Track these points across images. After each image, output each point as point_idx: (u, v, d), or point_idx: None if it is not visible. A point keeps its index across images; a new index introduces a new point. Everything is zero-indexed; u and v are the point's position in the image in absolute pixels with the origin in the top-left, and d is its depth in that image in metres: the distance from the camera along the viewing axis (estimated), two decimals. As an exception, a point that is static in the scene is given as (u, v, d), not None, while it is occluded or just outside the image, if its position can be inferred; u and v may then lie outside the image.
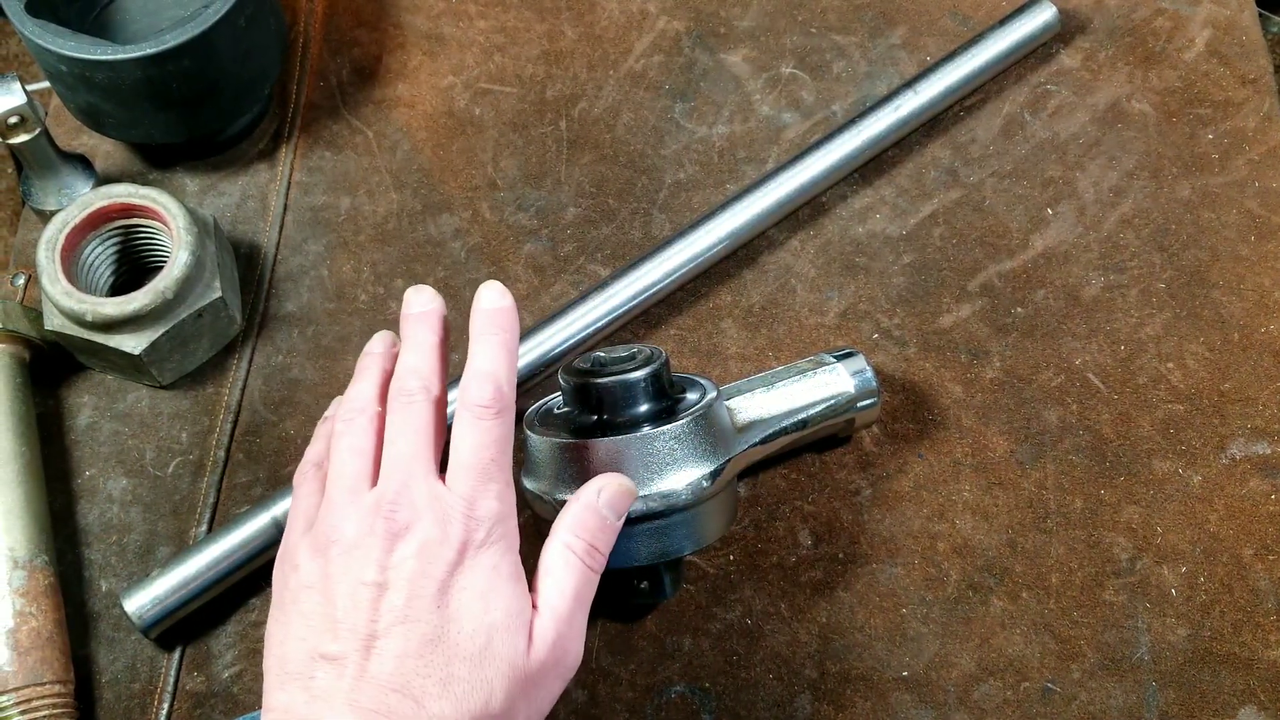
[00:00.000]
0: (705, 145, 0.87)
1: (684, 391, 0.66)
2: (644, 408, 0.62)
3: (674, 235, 0.79)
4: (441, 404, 0.58)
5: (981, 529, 0.73)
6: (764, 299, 0.81)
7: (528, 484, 0.64)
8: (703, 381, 0.66)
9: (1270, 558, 0.72)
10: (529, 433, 0.64)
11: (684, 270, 0.79)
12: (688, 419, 0.61)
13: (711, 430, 0.62)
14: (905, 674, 0.69)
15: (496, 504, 0.55)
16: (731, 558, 0.73)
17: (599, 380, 0.62)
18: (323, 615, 0.53)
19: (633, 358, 0.64)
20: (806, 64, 0.90)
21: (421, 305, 0.60)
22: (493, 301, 0.58)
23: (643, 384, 0.62)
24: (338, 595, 0.53)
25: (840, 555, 0.73)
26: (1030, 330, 0.79)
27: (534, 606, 0.55)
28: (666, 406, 0.64)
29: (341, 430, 0.58)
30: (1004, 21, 0.86)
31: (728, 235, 0.79)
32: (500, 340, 0.58)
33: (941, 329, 0.79)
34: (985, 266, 0.81)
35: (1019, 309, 0.80)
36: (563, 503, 0.59)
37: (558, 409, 0.67)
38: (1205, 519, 0.73)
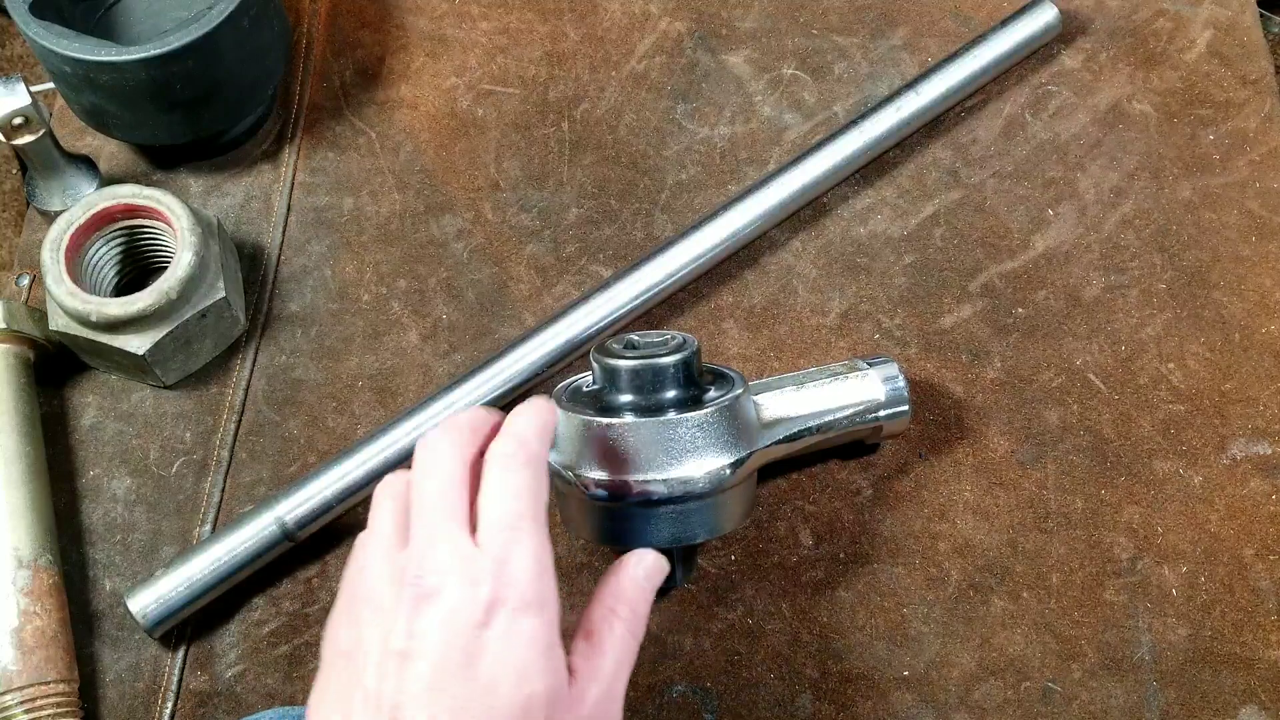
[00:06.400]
0: (707, 146, 0.87)
1: (714, 382, 0.67)
2: (671, 393, 0.63)
3: (676, 236, 0.80)
4: (476, 463, 0.55)
5: (982, 529, 0.73)
6: (765, 299, 0.81)
7: (550, 458, 0.64)
8: (733, 374, 0.67)
9: (1271, 558, 0.72)
10: (555, 407, 0.64)
11: (686, 271, 0.79)
12: (713, 409, 0.62)
13: (736, 422, 0.63)
14: (906, 673, 0.70)
15: (530, 563, 0.51)
16: (733, 557, 0.73)
17: (628, 362, 0.63)
18: (354, 683, 0.51)
19: (665, 343, 0.65)
20: (808, 65, 0.90)
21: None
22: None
23: (672, 370, 0.63)
24: (368, 663, 0.51)
25: (841, 555, 0.73)
26: (1031, 331, 0.79)
27: (571, 672, 0.52)
28: (694, 395, 0.64)
29: (379, 491, 0.56)
30: (1005, 22, 0.86)
31: (729, 236, 0.80)
32: (535, 408, 0.56)
33: (942, 329, 0.79)
34: (986, 267, 0.81)
35: (1020, 309, 0.80)
36: (582, 479, 0.61)
37: (587, 387, 0.67)
38: (1206, 519, 0.73)
